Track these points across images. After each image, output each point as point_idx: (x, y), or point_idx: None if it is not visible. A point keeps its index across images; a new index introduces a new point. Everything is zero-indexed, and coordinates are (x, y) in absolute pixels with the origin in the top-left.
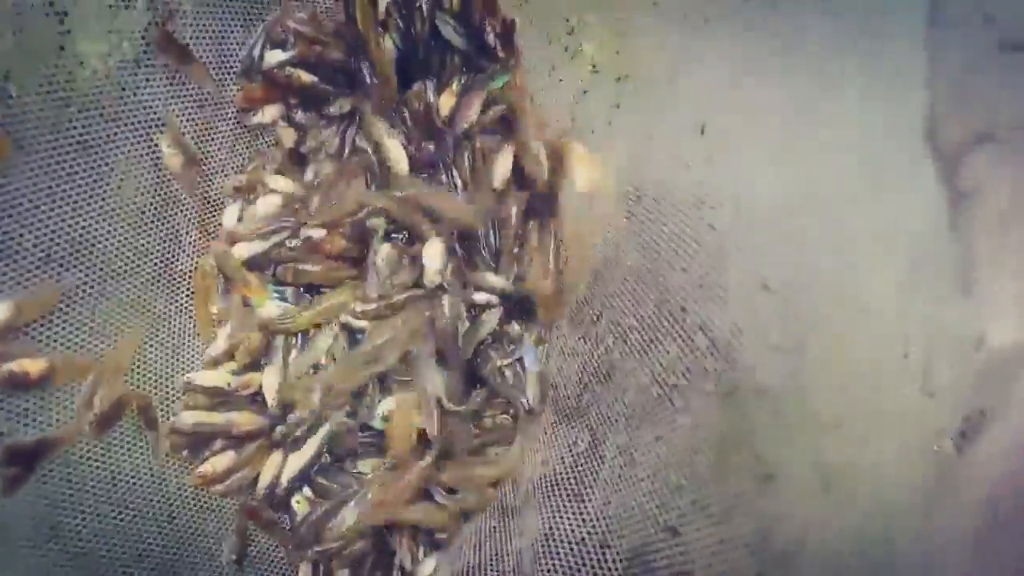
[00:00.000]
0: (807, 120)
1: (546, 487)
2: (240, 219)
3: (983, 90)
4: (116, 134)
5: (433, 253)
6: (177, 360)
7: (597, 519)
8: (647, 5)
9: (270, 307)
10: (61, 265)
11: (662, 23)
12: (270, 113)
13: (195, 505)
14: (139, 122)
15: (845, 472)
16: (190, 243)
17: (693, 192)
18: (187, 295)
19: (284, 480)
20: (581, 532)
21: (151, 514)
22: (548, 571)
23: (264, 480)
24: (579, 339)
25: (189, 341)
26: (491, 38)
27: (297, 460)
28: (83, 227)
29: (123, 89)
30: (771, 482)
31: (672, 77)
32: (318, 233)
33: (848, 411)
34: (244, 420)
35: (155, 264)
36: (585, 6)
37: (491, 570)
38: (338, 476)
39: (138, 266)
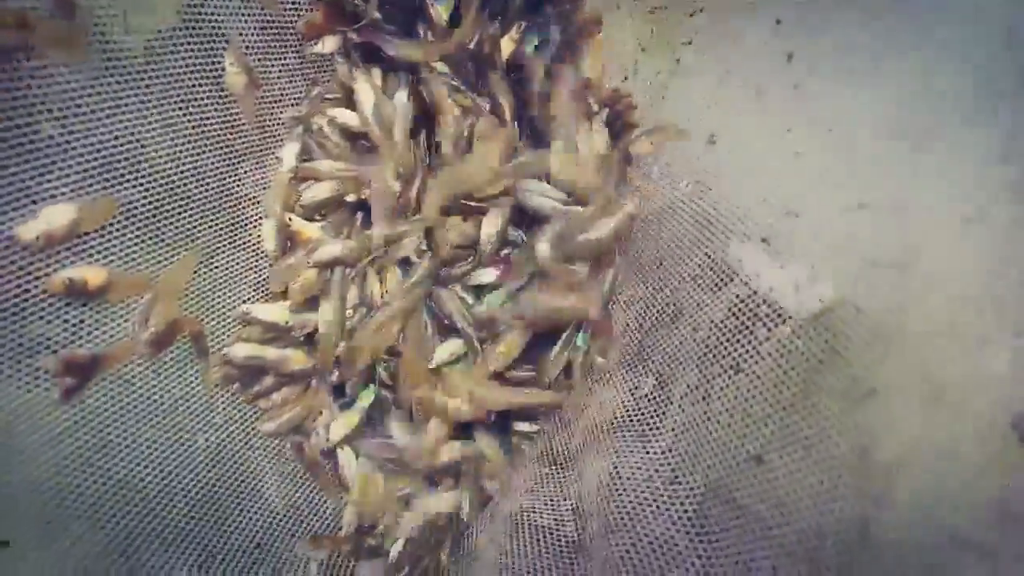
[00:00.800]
0: (909, 43)
1: (606, 431)
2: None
3: None
4: (182, 45)
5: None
6: (231, 290)
7: (666, 457)
8: None
9: (328, 246)
10: (120, 177)
11: None
12: (330, 44)
13: (243, 439)
14: (205, 35)
15: (958, 382)
16: (247, 172)
17: (779, 121)
18: (242, 224)
19: (333, 438)
20: (648, 471)
21: (199, 444)
22: (613, 511)
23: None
24: (638, 285)
25: (243, 272)
26: None
27: (343, 427)
28: (143, 140)
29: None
30: (872, 397)
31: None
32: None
33: (960, 319)
34: (298, 358)
35: (213, 189)
36: None
37: (547, 512)
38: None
39: (196, 189)
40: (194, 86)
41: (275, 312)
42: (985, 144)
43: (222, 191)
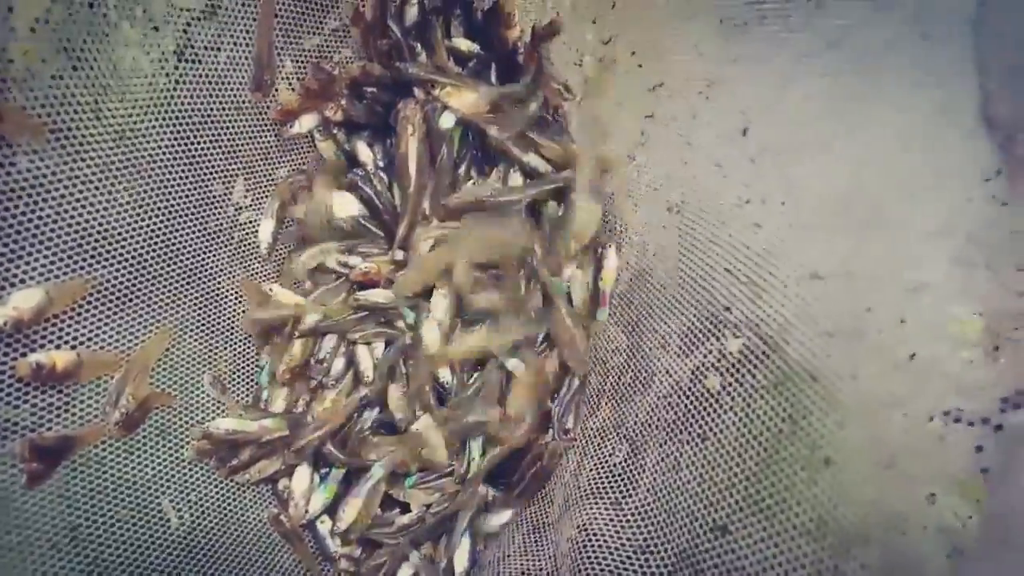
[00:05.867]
0: (853, 117)
1: (580, 498)
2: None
3: None
4: (153, 128)
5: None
6: (204, 366)
7: (638, 525)
8: (684, 16)
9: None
10: (92, 257)
11: (698, 32)
12: (307, 122)
13: (218, 515)
14: (177, 117)
15: (908, 448)
16: (223, 244)
17: (737, 194)
18: (216, 299)
19: (312, 510)
20: (621, 538)
21: (172, 522)
22: None
23: (296, 501)
24: (612, 351)
25: (218, 347)
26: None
27: (321, 499)
28: (115, 221)
29: (162, 83)
30: (828, 466)
31: (710, 84)
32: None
33: (908, 389)
34: (275, 426)
35: (185, 267)
36: (621, 20)
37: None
38: None
39: (168, 267)
40: (167, 167)
41: (235, 423)
42: (929, 218)
43: (195, 268)
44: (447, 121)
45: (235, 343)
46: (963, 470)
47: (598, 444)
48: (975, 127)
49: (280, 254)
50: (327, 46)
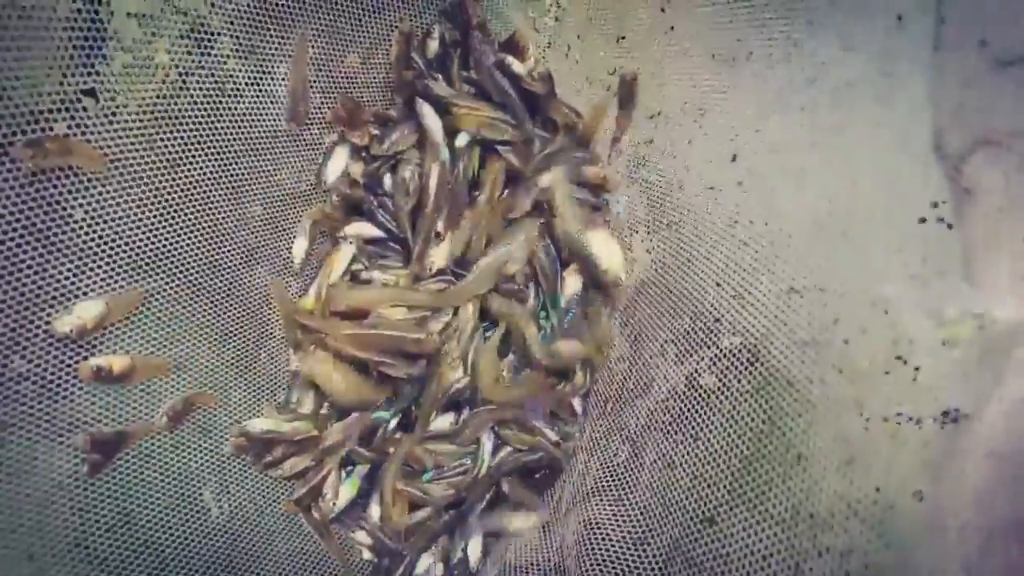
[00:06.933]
0: (826, 146)
1: (585, 496)
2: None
3: (980, 102)
4: (199, 156)
5: None
6: (244, 371)
7: (637, 519)
8: (679, 53)
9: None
10: (145, 272)
11: (692, 65)
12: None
13: (254, 506)
14: (220, 146)
15: (866, 446)
16: (261, 262)
17: (727, 214)
18: (253, 309)
19: (340, 504)
20: (622, 531)
21: (213, 512)
22: (589, 569)
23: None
24: (617, 359)
25: (254, 352)
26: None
27: (347, 493)
28: (165, 238)
29: (206, 115)
30: (800, 462)
31: (703, 112)
32: None
33: (867, 393)
34: (306, 427)
35: (227, 281)
36: (625, 52)
37: (533, 569)
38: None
39: (211, 281)
40: (210, 191)
41: (270, 423)
42: (889, 239)
43: (235, 282)
44: (461, 140)
45: (269, 347)
46: (911, 465)
47: (604, 446)
48: (927, 157)
49: (312, 269)
50: (352, 80)
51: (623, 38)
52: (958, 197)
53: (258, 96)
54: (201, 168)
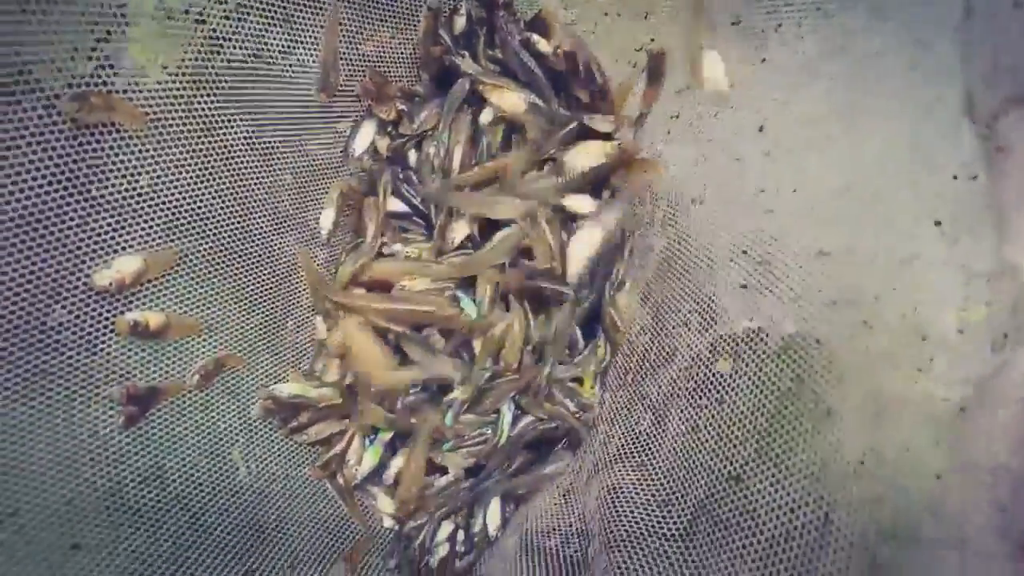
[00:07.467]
0: (854, 115)
1: (608, 463)
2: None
3: (1013, 61)
4: (233, 121)
5: None
6: (273, 335)
7: (660, 482)
8: (709, 24)
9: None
10: (181, 232)
11: (722, 38)
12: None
13: (281, 468)
14: (253, 112)
15: (897, 399)
16: (290, 231)
17: (754, 183)
18: (282, 275)
19: (363, 470)
20: (645, 495)
21: (240, 471)
22: (612, 531)
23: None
24: (638, 332)
25: (282, 317)
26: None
27: (370, 460)
28: (199, 201)
29: (241, 81)
30: (830, 416)
31: (731, 85)
32: None
33: (899, 347)
34: (332, 394)
35: (258, 246)
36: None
37: (555, 534)
38: None
39: (243, 245)
40: (243, 156)
41: (298, 387)
42: (919, 200)
43: (267, 248)
44: (486, 116)
45: (297, 315)
46: (944, 412)
47: (625, 415)
48: (958, 120)
49: (338, 239)
50: (381, 55)
51: (650, 15)
52: (990, 156)
53: (290, 65)
54: (236, 133)
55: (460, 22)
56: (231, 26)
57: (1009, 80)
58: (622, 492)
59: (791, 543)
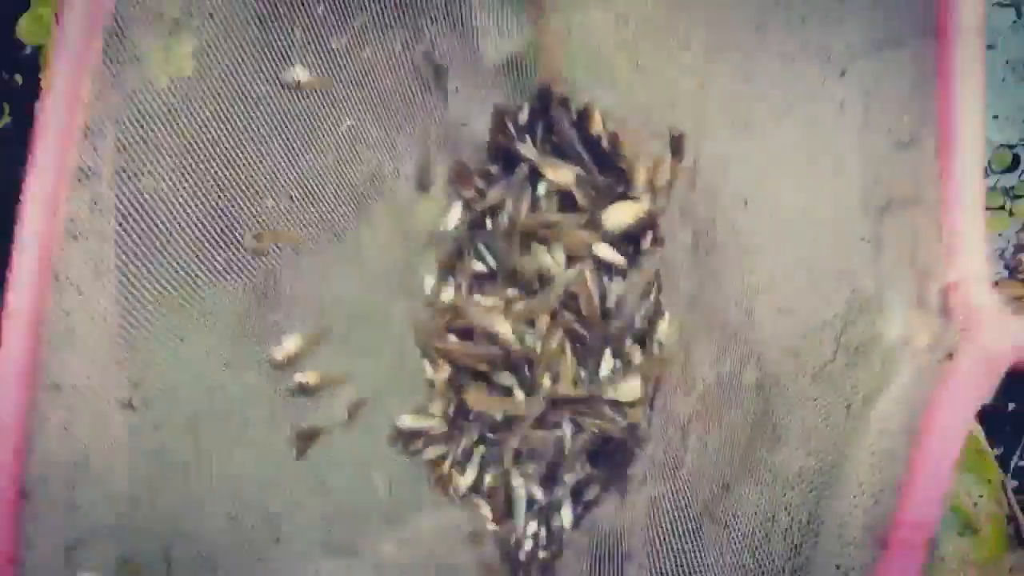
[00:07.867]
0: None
1: (653, 477)
2: None
3: None
4: (356, 222)
5: None
6: (390, 381)
7: (683, 491)
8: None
9: None
10: (325, 314)
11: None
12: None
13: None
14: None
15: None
16: (402, 298)
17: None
18: (397, 338)
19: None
20: (672, 502)
21: (379, 488)
22: (654, 530)
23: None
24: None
25: (399, 367)
26: None
27: (471, 473)
28: (339, 291)
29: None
30: (778, 443)
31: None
32: None
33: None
34: (439, 424)
35: (380, 315)
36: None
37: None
38: None
39: (367, 313)
40: (366, 242)
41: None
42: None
43: (385, 314)
44: (542, 188)
45: (410, 364)
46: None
47: (660, 434)
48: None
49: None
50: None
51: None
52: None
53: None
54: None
55: (522, 117)
56: (360, 169)
57: None
58: (659, 501)
59: (769, 542)
